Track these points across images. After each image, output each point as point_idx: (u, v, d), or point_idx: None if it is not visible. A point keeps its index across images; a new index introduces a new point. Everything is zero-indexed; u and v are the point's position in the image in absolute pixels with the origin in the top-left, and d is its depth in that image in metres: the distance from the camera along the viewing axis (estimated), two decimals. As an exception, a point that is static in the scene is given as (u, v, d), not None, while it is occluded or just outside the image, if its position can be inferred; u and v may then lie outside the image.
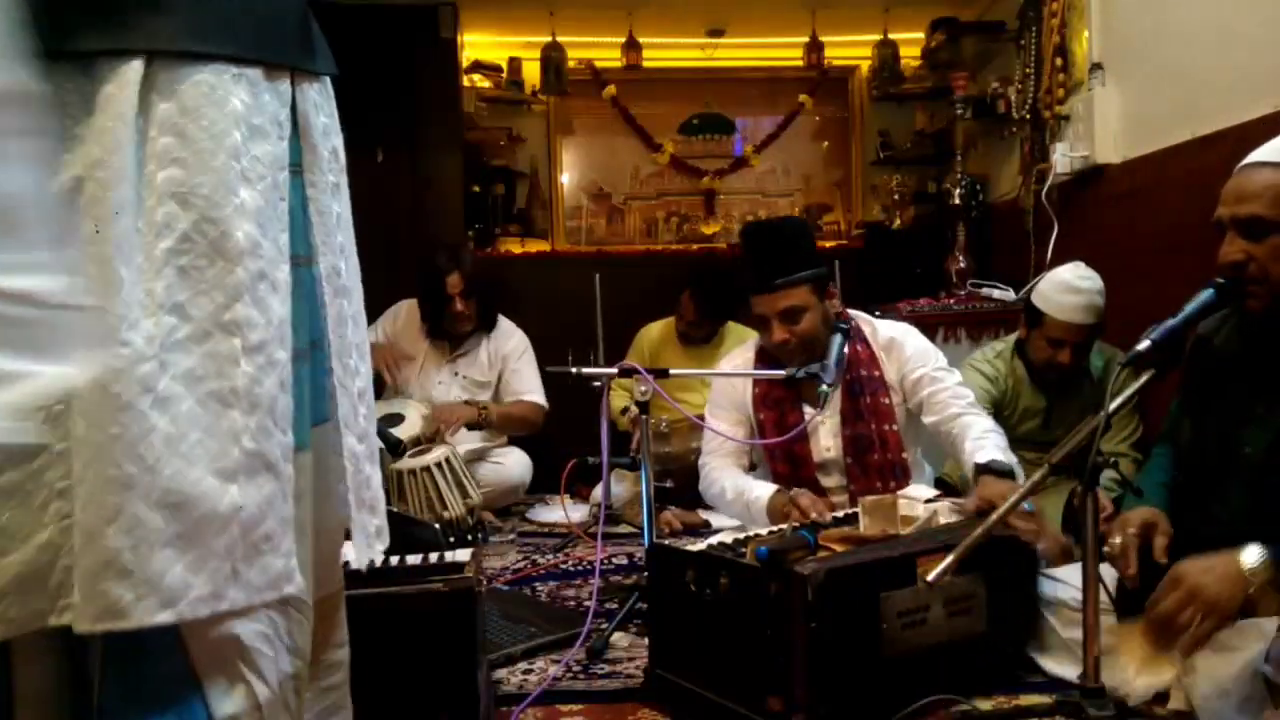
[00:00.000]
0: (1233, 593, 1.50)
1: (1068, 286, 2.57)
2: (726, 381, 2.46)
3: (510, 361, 3.59)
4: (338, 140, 1.13)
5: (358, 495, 1.11)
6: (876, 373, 2.33)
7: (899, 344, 2.36)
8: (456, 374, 3.57)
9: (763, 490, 2.24)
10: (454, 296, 3.42)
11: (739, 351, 2.53)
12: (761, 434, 2.36)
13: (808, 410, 2.34)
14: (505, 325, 3.65)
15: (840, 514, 2.03)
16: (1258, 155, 1.64)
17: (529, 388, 3.57)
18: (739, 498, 2.28)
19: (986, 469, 2.03)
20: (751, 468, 2.54)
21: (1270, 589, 1.50)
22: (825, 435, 2.37)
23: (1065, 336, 2.59)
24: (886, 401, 2.32)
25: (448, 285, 3.41)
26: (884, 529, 1.82)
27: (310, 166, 1.08)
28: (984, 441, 2.14)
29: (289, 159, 1.05)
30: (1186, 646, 1.51)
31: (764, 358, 2.42)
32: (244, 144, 0.96)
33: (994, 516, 1.55)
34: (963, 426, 2.21)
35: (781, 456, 2.35)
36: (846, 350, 2.28)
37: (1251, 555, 1.52)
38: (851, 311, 2.46)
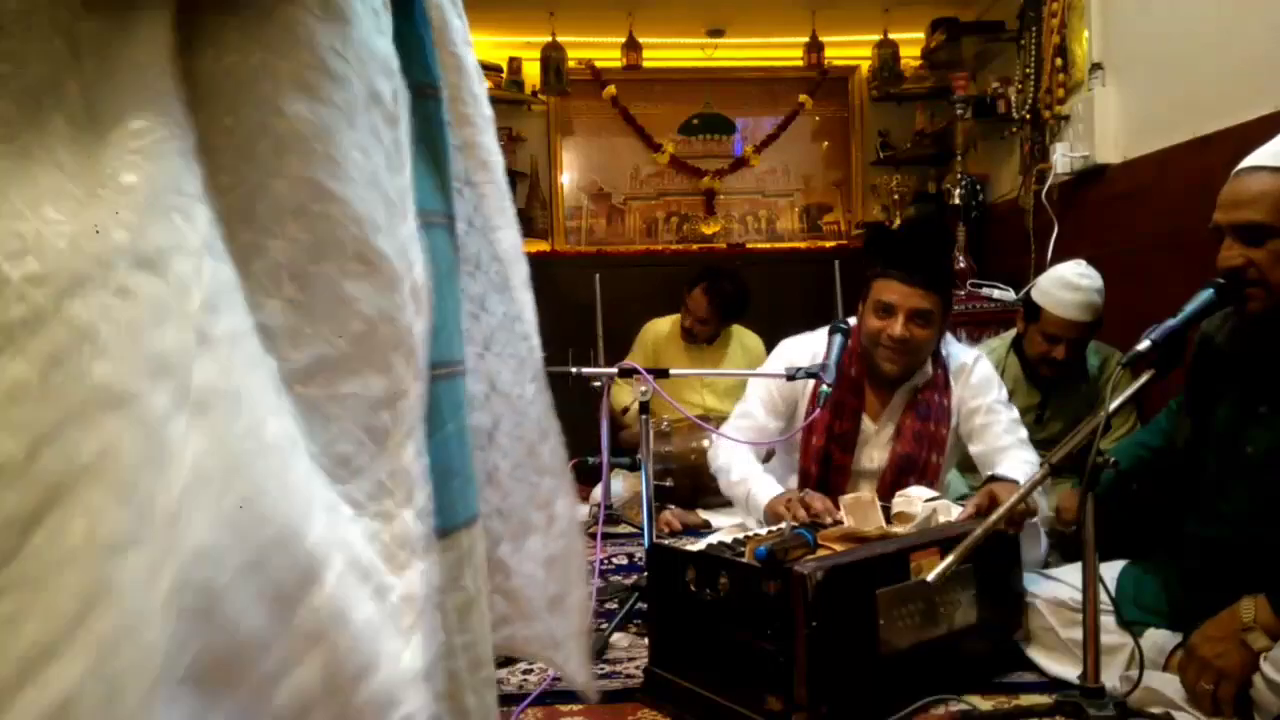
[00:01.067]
0: (1235, 653, 1.52)
1: (1067, 283, 2.57)
2: (784, 364, 2.30)
3: None
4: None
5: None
6: (947, 402, 2.29)
7: (968, 370, 2.33)
8: None
9: (766, 491, 2.21)
10: None
11: (809, 337, 2.39)
12: (808, 428, 2.29)
13: (866, 421, 2.31)
14: None
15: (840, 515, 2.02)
16: (1254, 159, 1.61)
17: None
18: (742, 484, 2.25)
19: (994, 478, 2.02)
20: (769, 455, 2.47)
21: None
22: (874, 447, 2.32)
23: (1061, 333, 2.59)
24: (944, 433, 2.28)
25: None
26: (877, 526, 1.83)
27: (458, 88, 0.71)
28: (1014, 469, 2.10)
29: (420, 75, 0.66)
30: (1225, 706, 1.53)
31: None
32: (315, 28, 0.55)
33: (994, 516, 1.55)
34: (1004, 457, 2.18)
35: (816, 458, 2.30)
36: (932, 371, 2.28)
37: (1247, 610, 1.54)
38: None
